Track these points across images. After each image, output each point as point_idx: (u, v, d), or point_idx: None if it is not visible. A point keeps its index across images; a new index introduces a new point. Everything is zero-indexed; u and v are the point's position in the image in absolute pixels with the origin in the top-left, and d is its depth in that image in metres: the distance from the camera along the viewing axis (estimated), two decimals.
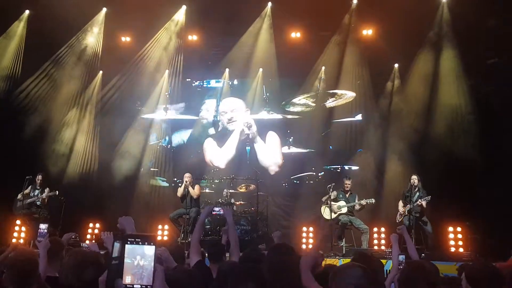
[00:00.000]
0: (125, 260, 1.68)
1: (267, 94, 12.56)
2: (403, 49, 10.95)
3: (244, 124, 12.11)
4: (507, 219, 9.10)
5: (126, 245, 1.69)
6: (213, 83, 13.08)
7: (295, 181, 12.20)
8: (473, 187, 9.92)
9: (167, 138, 12.92)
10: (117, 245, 1.72)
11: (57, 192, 10.09)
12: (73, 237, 6.03)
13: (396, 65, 11.75)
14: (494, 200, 9.50)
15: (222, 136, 12.52)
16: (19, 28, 11.42)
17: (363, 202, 9.81)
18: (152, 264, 1.71)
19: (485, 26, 9.95)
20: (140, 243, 1.72)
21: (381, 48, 11.16)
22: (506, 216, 9.16)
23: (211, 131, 12.75)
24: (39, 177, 10.11)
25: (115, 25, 11.72)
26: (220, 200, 10.61)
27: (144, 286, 1.68)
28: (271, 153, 12.31)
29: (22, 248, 4.34)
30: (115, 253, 1.72)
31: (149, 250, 1.72)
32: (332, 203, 9.78)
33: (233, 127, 12.40)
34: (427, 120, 10.65)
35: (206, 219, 9.89)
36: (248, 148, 12.35)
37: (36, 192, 10.09)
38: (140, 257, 1.70)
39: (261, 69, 12.45)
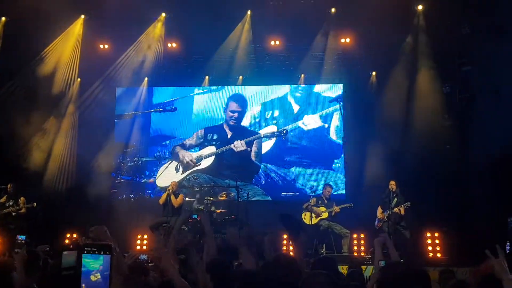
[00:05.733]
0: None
1: None
2: (380, 56, 11.12)
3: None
4: (484, 224, 9.24)
5: (83, 255, 1.64)
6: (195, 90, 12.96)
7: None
8: (450, 193, 10.09)
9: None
10: (68, 254, 1.65)
11: (35, 204, 9.92)
12: (47, 249, 5.94)
13: (374, 73, 11.88)
14: (472, 205, 9.67)
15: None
16: None
17: (342, 206, 10.09)
18: (109, 273, 1.66)
19: (459, 33, 10.14)
20: (97, 252, 1.66)
21: (359, 56, 11.34)
22: (483, 221, 9.31)
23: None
24: (9, 185, 9.91)
25: (93, 33, 11.58)
26: (201, 207, 10.53)
27: None
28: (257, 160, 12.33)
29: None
30: (67, 263, 1.65)
31: (106, 260, 1.66)
32: (313, 208, 9.92)
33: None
34: (405, 126, 10.77)
35: (186, 227, 9.82)
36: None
37: (11, 202, 9.87)
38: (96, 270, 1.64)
39: (241, 77, 12.48)
